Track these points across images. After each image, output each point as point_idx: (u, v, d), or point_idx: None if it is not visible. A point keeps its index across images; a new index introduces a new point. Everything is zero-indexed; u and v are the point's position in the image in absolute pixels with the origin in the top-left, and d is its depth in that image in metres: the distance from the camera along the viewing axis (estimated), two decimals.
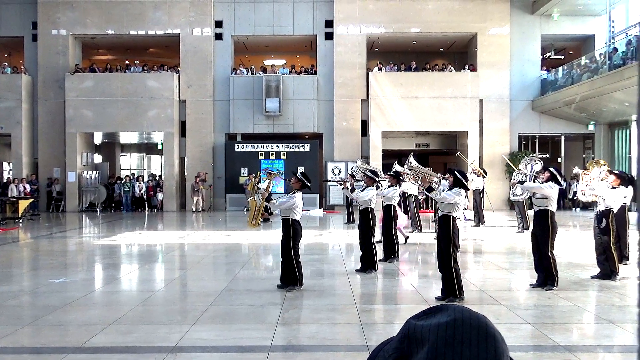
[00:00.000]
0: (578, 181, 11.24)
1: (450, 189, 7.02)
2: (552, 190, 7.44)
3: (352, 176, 16.69)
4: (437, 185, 7.91)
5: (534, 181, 8.42)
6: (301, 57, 26.67)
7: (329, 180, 16.37)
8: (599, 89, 18.30)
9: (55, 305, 6.72)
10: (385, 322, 6.21)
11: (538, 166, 11.42)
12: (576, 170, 9.14)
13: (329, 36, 23.19)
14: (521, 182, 7.80)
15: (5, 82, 22.80)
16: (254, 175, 21.52)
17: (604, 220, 8.14)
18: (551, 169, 7.81)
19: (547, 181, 7.61)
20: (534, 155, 12.38)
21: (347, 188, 9.62)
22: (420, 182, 8.62)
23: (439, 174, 11.53)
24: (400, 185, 10.94)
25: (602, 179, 8.50)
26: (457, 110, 22.35)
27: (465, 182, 6.93)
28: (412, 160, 10.45)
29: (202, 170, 22.69)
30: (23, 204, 18.57)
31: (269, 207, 8.07)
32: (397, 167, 12.44)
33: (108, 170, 25.60)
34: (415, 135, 24.57)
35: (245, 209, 21.96)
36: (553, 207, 7.50)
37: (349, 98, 22.90)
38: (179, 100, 23.08)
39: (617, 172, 8.77)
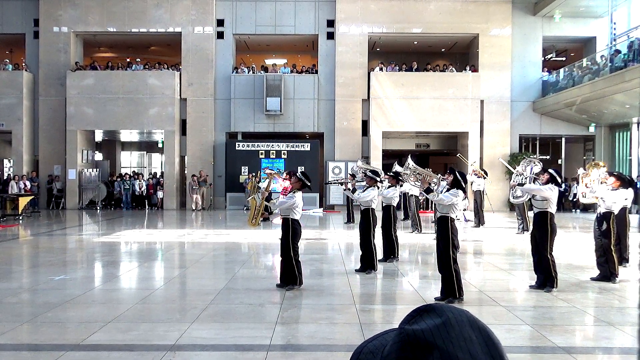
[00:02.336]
0: (578, 183, 11.19)
1: (448, 190, 7.03)
2: (551, 193, 7.44)
3: (353, 176, 16.73)
4: (436, 186, 7.90)
5: (533, 182, 8.40)
6: (302, 57, 26.67)
7: (330, 182, 16.34)
8: (600, 91, 18.29)
9: (54, 302, 6.72)
10: (384, 322, 6.20)
11: (537, 167, 11.40)
12: (580, 171, 9.09)
13: (331, 36, 23.19)
14: (521, 184, 7.78)
15: (6, 79, 22.80)
16: (253, 174, 21.58)
17: (605, 223, 8.13)
18: (550, 170, 7.80)
19: (546, 183, 7.60)
20: (534, 156, 12.36)
21: (349, 189, 9.62)
22: (420, 184, 8.61)
23: (438, 174, 11.53)
24: (401, 186, 10.95)
25: (602, 182, 8.48)
26: (458, 111, 22.35)
27: (463, 184, 6.95)
28: (410, 162, 10.46)
29: (202, 169, 22.68)
30: (23, 201, 18.57)
31: (269, 207, 8.06)
32: (397, 167, 12.45)
33: (108, 168, 25.62)
34: (415, 135, 24.57)
35: (245, 208, 21.99)
36: (553, 209, 7.50)
37: (350, 98, 22.89)
38: (179, 99, 23.08)
39: (616, 173, 8.77)
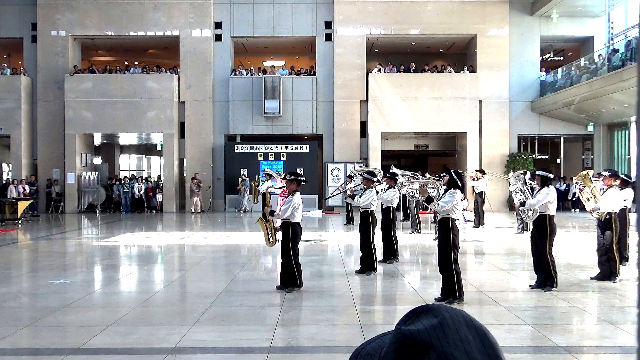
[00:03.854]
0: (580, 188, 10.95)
1: (446, 190, 7.05)
2: (550, 196, 7.45)
3: (350, 177, 16.77)
4: (435, 191, 7.89)
5: (530, 190, 8.30)
6: (300, 58, 26.68)
7: (330, 196, 16.34)
8: (598, 90, 18.31)
9: (54, 306, 6.71)
10: (384, 323, 6.20)
11: (527, 175, 11.44)
12: (576, 186, 8.92)
13: (329, 37, 23.20)
14: (523, 204, 7.73)
15: (4, 83, 22.79)
16: (243, 175, 21.76)
17: (608, 232, 8.09)
18: (538, 172, 7.84)
19: (542, 185, 7.62)
20: (518, 172, 12.20)
21: (350, 196, 9.65)
22: (419, 194, 8.61)
23: (437, 176, 11.58)
24: (400, 188, 10.97)
25: (606, 193, 8.36)
26: (457, 111, 22.36)
27: (459, 183, 6.95)
28: (401, 179, 10.59)
29: (198, 172, 22.63)
30: (22, 205, 18.55)
31: (273, 220, 8.00)
32: (393, 169, 12.52)
33: (107, 171, 25.59)
34: (414, 136, 24.58)
35: (237, 210, 22.04)
36: (552, 210, 7.50)
37: (348, 99, 22.90)
38: (178, 102, 23.07)
39: (607, 173, 8.65)
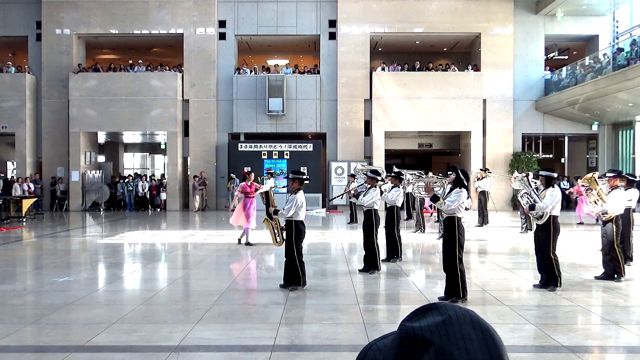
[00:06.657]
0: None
1: (451, 190, 7.03)
2: (556, 197, 7.43)
3: (353, 176, 16.77)
4: (441, 189, 7.88)
5: (536, 190, 8.26)
6: (304, 57, 26.68)
7: (334, 198, 16.32)
8: (603, 90, 18.25)
9: (58, 304, 6.74)
10: (388, 322, 6.20)
11: (530, 176, 11.43)
12: (580, 184, 8.88)
13: (332, 36, 23.19)
14: (532, 207, 7.71)
15: (9, 82, 22.86)
16: (233, 175, 21.77)
17: (609, 224, 8.06)
18: (542, 172, 7.84)
19: (547, 185, 7.60)
20: (521, 175, 12.03)
21: (355, 196, 9.66)
22: (425, 192, 8.60)
23: (439, 175, 11.56)
24: (404, 188, 10.97)
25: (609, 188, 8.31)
26: (460, 110, 22.32)
27: (465, 182, 6.94)
28: (408, 177, 10.60)
29: (203, 170, 22.67)
30: (27, 203, 18.62)
31: (279, 220, 7.99)
32: (395, 169, 12.57)
33: (111, 169, 25.65)
34: (418, 135, 24.55)
35: (226, 208, 22.10)
36: (557, 210, 7.48)
37: (352, 98, 22.89)
38: (182, 100, 23.11)
39: (611, 174, 8.59)
